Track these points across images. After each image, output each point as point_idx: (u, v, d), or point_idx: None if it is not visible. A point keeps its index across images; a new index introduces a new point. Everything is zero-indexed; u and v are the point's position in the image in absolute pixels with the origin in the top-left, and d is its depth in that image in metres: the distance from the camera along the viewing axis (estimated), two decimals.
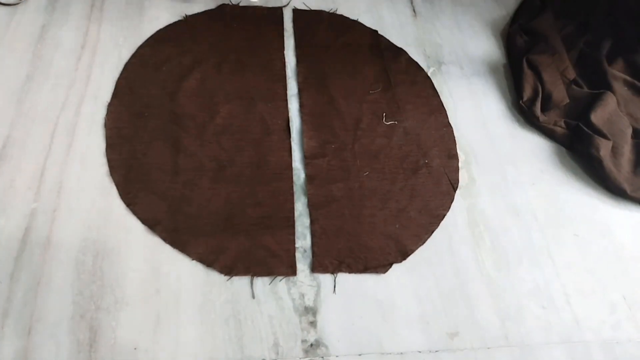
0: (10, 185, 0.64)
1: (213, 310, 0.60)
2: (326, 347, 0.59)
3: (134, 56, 0.80)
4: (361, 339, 0.61)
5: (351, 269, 0.65)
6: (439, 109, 0.84)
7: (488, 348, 0.62)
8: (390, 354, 0.60)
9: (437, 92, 0.86)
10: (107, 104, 0.74)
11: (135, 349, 0.56)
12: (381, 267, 0.66)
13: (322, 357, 0.59)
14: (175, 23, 0.84)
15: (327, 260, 0.65)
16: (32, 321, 0.56)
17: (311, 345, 0.59)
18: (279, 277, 0.63)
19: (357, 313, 0.62)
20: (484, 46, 0.96)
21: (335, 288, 0.64)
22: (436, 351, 0.61)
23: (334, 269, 0.65)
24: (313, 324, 0.61)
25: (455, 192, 0.75)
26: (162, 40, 0.82)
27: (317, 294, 0.63)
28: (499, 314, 0.65)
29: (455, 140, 0.81)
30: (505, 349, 0.62)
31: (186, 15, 0.85)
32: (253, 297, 0.61)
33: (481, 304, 0.65)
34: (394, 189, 0.73)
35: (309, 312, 0.61)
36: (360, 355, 0.59)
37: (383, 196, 0.72)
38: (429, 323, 0.63)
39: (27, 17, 0.81)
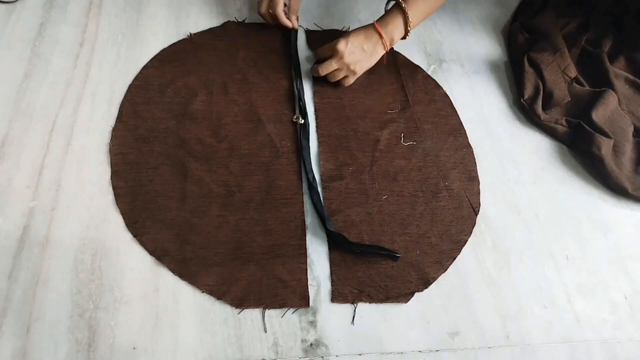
0: (9, 183, 0.64)
1: (212, 309, 0.59)
2: (326, 346, 0.59)
3: (137, 78, 0.76)
4: (361, 338, 0.60)
5: (372, 299, 0.62)
6: (459, 129, 0.81)
7: (489, 348, 0.62)
8: (390, 353, 0.60)
9: (455, 111, 0.83)
10: (110, 124, 0.72)
11: (134, 348, 0.56)
12: (403, 296, 0.63)
13: (322, 357, 0.58)
14: (179, 42, 0.81)
15: (346, 290, 0.63)
16: (30, 320, 0.56)
17: (311, 344, 0.59)
18: (291, 309, 0.61)
19: (357, 312, 0.62)
20: (485, 44, 0.96)
21: (354, 317, 0.61)
22: (437, 351, 0.61)
23: (354, 299, 0.62)
24: (313, 323, 0.60)
25: (476, 216, 0.72)
26: (166, 60, 0.79)
27: (317, 293, 0.63)
28: (500, 314, 0.64)
29: (475, 161, 0.78)
30: (507, 349, 0.62)
31: (191, 34, 0.82)
32: (265, 331, 0.59)
33: (482, 304, 0.65)
34: (414, 213, 0.70)
35: (309, 312, 0.61)
36: (360, 354, 0.59)
37: (402, 221, 0.69)
38: (430, 322, 0.63)
39: (25, 14, 0.81)
